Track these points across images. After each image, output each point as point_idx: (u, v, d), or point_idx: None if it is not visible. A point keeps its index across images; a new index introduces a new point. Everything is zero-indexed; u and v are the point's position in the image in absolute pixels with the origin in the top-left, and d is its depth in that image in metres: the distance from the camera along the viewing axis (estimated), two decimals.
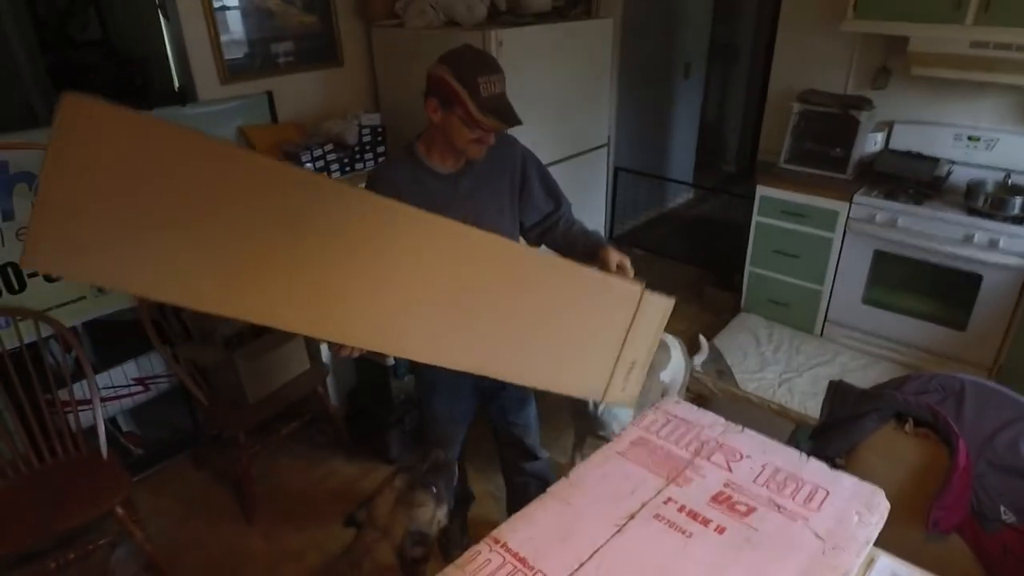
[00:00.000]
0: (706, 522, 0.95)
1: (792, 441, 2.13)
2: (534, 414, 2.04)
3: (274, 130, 2.77)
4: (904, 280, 3.03)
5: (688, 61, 5.14)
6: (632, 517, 0.96)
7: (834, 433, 1.63)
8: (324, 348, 2.65)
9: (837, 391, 1.75)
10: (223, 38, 2.62)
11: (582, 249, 1.74)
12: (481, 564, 0.90)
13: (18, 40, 3.54)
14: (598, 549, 0.91)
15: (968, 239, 2.72)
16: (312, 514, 2.47)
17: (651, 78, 4.76)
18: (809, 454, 1.09)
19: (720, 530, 0.93)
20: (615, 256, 1.63)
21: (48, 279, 2.17)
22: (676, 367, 2.51)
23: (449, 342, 1.25)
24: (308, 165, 2.59)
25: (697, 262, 4.41)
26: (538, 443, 2.09)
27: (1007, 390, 1.52)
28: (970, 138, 2.97)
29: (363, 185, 1.62)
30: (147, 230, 0.94)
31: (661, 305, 1.41)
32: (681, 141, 5.40)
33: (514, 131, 1.60)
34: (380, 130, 2.87)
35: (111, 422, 2.62)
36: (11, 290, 2.10)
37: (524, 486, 2.14)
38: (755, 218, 3.29)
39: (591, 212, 3.49)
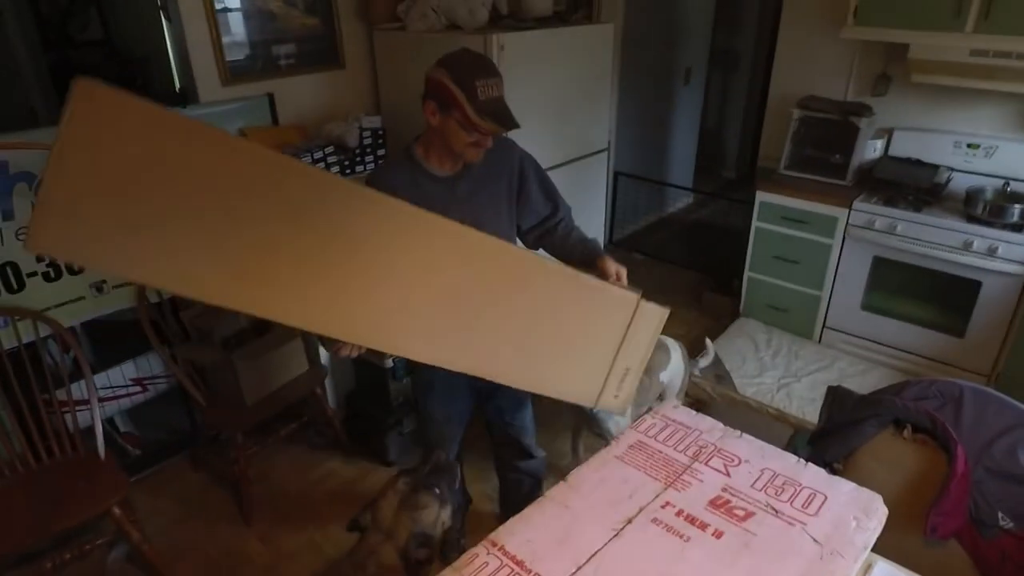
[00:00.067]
0: (704, 526, 0.95)
1: (790, 446, 2.13)
2: (531, 415, 2.05)
3: (275, 132, 2.78)
4: (903, 286, 3.04)
5: (689, 66, 5.15)
6: (630, 521, 0.96)
7: (832, 438, 1.63)
8: (323, 350, 2.65)
9: (836, 396, 1.75)
10: (225, 40, 2.63)
11: (580, 257, 1.74)
12: (479, 567, 0.89)
13: (20, 39, 3.54)
14: (596, 553, 0.91)
15: (967, 246, 2.72)
16: (310, 516, 2.47)
17: (652, 83, 4.77)
18: (807, 459, 1.09)
19: (718, 534, 0.93)
20: (612, 266, 1.64)
21: (47, 279, 2.17)
22: (675, 369, 2.52)
23: (445, 342, 1.25)
24: None
25: (696, 267, 4.41)
26: (535, 443, 2.10)
27: (1005, 397, 1.52)
28: (969, 145, 2.98)
29: None
30: (152, 218, 0.94)
31: (656, 314, 1.43)
32: (681, 146, 5.41)
33: (515, 134, 1.60)
34: (381, 133, 2.87)
35: (109, 422, 2.61)
36: (10, 290, 2.10)
37: (518, 483, 2.17)
38: (755, 223, 3.29)
39: (591, 216, 3.50)
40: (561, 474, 1.09)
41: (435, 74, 1.53)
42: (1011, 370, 2.75)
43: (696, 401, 2.89)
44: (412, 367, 2.16)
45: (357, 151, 2.81)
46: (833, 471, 1.13)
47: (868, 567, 0.98)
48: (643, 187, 4.79)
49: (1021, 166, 2.89)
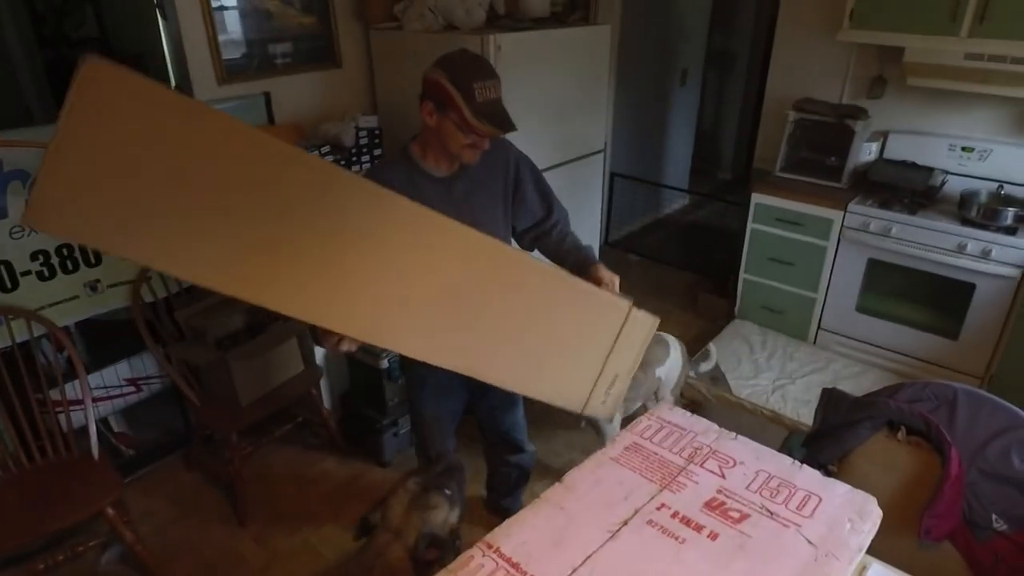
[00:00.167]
0: (699, 528, 0.95)
1: (785, 448, 2.14)
2: (522, 412, 2.08)
3: (271, 131, 2.77)
4: (897, 289, 3.05)
5: (685, 68, 5.16)
6: (625, 523, 0.96)
7: (827, 440, 1.64)
8: (319, 350, 2.64)
9: (830, 398, 1.76)
10: (221, 38, 2.62)
11: (573, 263, 1.75)
12: (474, 569, 0.89)
13: (15, 37, 3.53)
14: (591, 555, 0.91)
15: (961, 249, 2.73)
16: (305, 516, 2.46)
17: (648, 84, 4.78)
18: (802, 461, 1.09)
19: (713, 536, 0.94)
20: (606, 274, 1.65)
21: (41, 278, 2.16)
22: (672, 365, 2.54)
23: (439, 339, 1.25)
24: None
25: (692, 268, 4.42)
26: (526, 437, 2.13)
27: (999, 399, 1.52)
28: (964, 149, 2.99)
29: None
30: (152, 198, 0.94)
31: (647, 323, 1.45)
32: (677, 147, 5.42)
33: (511, 135, 1.60)
34: (377, 132, 2.87)
35: (103, 422, 2.60)
36: (3, 288, 2.09)
37: (507, 475, 2.23)
38: (750, 225, 3.30)
39: (587, 217, 3.50)
40: (556, 475, 1.09)
41: (433, 75, 1.53)
42: (1004, 372, 2.77)
43: (691, 403, 2.90)
44: (405, 365, 2.17)
45: (353, 151, 2.81)
46: (828, 473, 1.13)
47: (862, 569, 0.99)
48: (639, 188, 4.79)
49: (1015, 169, 2.91)
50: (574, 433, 2.74)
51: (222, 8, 2.61)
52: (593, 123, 3.35)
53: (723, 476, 1.06)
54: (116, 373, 2.52)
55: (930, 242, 2.80)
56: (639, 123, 4.79)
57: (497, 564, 0.90)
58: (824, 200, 3.05)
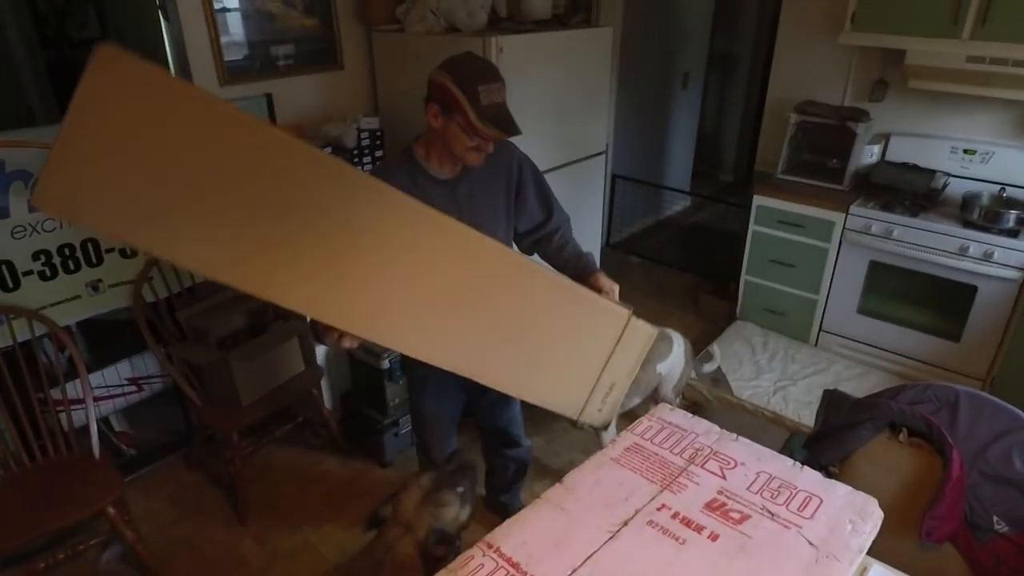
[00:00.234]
0: (700, 529, 0.95)
1: (786, 449, 2.14)
2: (519, 407, 2.11)
3: None
4: (899, 291, 3.05)
5: (687, 70, 5.16)
6: (626, 523, 0.96)
7: (828, 442, 1.64)
8: (320, 350, 2.65)
9: (832, 400, 1.75)
10: (223, 40, 2.62)
11: (573, 270, 1.76)
12: (474, 569, 0.89)
13: (18, 37, 3.54)
14: (591, 555, 0.91)
15: (963, 251, 2.73)
16: (305, 516, 2.46)
17: (650, 87, 4.78)
18: (803, 462, 1.09)
19: (713, 537, 0.93)
20: (606, 282, 1.66)
21: (43, 277, 2.16)
22: (675, 361, 2.54)
23: (440, 339, 1.26)
24: None
25: (693, 270, 4.42)
26: (523, 432, 2.14)
27: (1001, 401, 1.52)
28: (966, 151, 2.99)
29: None
30: (158, 186, 0.95)
31: (645, 332, 1.46)
32: (679, 150, 5.42)
33: (514, 137, 1.60)
34: (379, 134, 2.87)
35: (104, 422, 2.60)
36: (5, 288, 2.09)
37: (504, 468, 2.25)
38: (751, 227, 3.30)
39: (588, 219, 3.50)
40: (556, 476, 1.09)
41: (438, 77, 1.53)
42: (1006, 374, 2.76)
43: (692, 404, 2.90)
44: (406, 365, 2.18)
45: (355, 152, 2.81)
46: (829, 474, 1.13)
47: (863, 570, 0.99)
48: (641, 190, 4.79)
49: (1017, 172, 2.91)
50: (574, 433, 2.74)
51: (224, 10, 2.61)
52: (595, 125, 3.35)
53: (724, 477, 1.06)
54: (117, 372, 2.53)
55: (932, 244, 2.80)
56: (641, 125, 4.79)
57: (497, 564, 0.90)
58: (826, 202, 3.04)
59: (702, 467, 1.08)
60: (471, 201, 1.68)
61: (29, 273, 2.13)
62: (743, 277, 3.42)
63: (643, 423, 1.21)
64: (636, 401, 2.46)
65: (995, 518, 1.41)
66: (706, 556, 0.91)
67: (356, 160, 2.83)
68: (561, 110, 3.06)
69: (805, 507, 0.99)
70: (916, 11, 2.66)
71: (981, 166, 2.97)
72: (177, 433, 2.79)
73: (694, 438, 1.16)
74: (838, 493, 1.02)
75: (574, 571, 0.88)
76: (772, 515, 0.97)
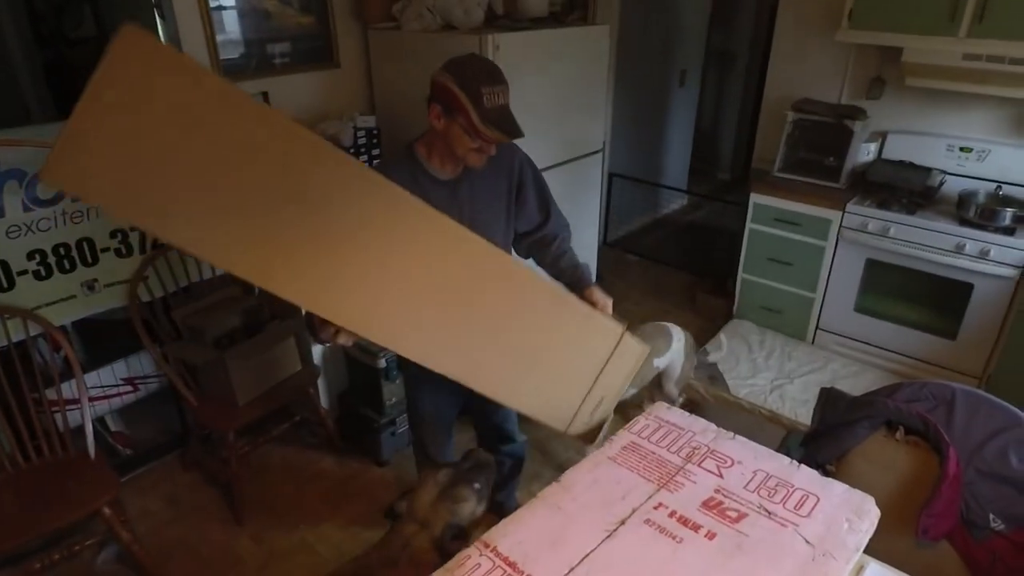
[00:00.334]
0: (696, 528, 0.95)
1: (783, 447, 2.14)
2: None
3: None
4: (896, 289, 3.05)
5: (684, 68, 5.16)
6: (623, 522, 0.96)
7: (825, 440, 1.64)
8: (316, 349, 2.64)
9: (828, 398, 1.75)
10: (219, 38, 2.61)
11: (568, 281, 1.76)
12: (471, 568, 0.89)
13: (14, 36, 3.52)
14: (588, 554, 0.91)
15: (959, 249, 2.73)
16: (302, 516, 2.46)
17: (647, 85, 4.78)
18: (800, 461, 1.09)
19: (710, 536, 0.93)
20: (600, 297, 1.66)
21: (37, 277, 2.15)
22: (674, 357, 2.55)
23: (433, 342, 1.26)
24: None
25: (690, 268, 4.42)
26: (517, 428, 2.15)
27: (997, 399, 1.52)
28: (962, 149, 2.99)
29: None
30: (169, 169, 0.96)
31: (637, 349, 1.48)
32: (676, 148, 5.42)
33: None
34: (375, 132, 2.87)
35: (99, 422, 2.60)
36: (0, 288, 2.08)
37: (499, 464, 2.22)
38: (748, 225, 3.30)
39: (585, 217, 3.49)
40: (553, 475, 1.09)
41: (441, 78, 1.52)
42: (1002, 372, 2.77)
43: (689, 402, 2.90)
44: (403, 364, 2.17)
45: (351, 151, 2.81)
46: (826, 473, 1.13)
47: (860, 568, 0.99)
48: (638, 188, 4.79)
49: (1013, 169, 2.91)
50: None
51: (220, 8, 2.60)
52: (592, 123, 3.35)
53: (721, 476, 1.05)
54: (113, 372, 2.52)
55: (928, 242, 2.80)
56: (638, 123, 4.79)
57: (494, 563, 0.90)
58: (822, 200, 3.05)
59: (699, 466, 1.08)
60: (472, 202, 1.68)
61: (24, 273, 2.12)
62: (740, 275, 3.43)
63: (640, 422, 1.20)
64: (632, 391, 2.47)
65: (991, 516, 1.41)
66: (703, 555, 0.90)
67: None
68: (558, 108, 3.05)
69: (802, 505, 0.99)
70: (913, 8, 2.66)
71: (977, 164, 2.97)
72: (173, 433, 2.78)
73: (691, 437, 1.16)
74: (835, 491, 1.02)
75: (571, 570, 0.88)
76: (769, 513, 0.97)
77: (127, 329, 2.35)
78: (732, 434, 1.17)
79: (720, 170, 6.40)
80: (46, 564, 2.04)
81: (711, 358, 3.00)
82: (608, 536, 0.94)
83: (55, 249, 2.17)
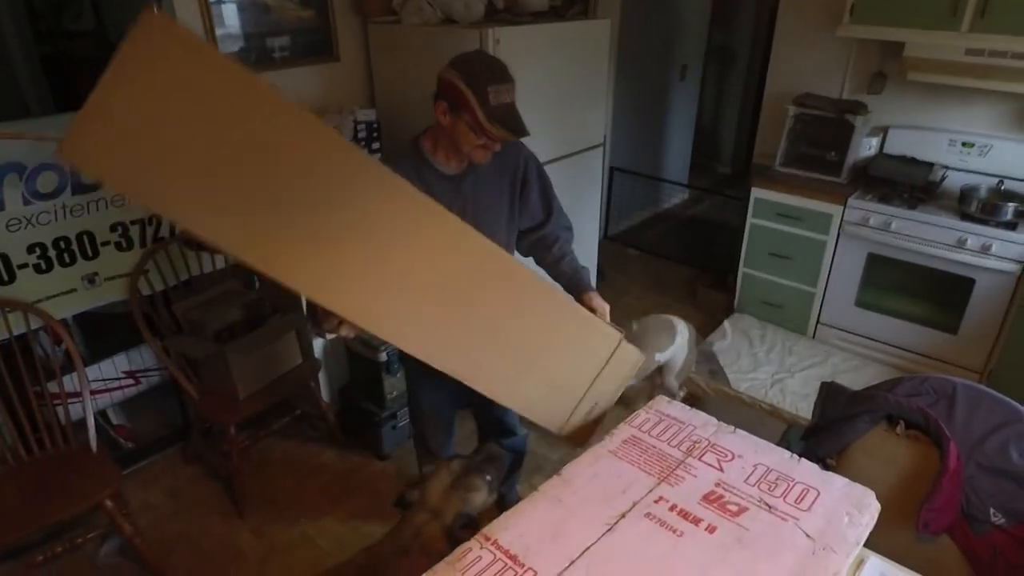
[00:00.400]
0: (697, 521, 0.95)
1: (784, 441, 2.14)
2: None
3: None
4: (897, 283, 3.05)
5: (685, 63, 5.14)
6: (623, 516, 0.96)
7: (825, 434, 1.63)
8: (317, 343, 2.64)
9: (829, 392, 1.75)
10: (218, 31, 2.60)
11: (567, 284, 1.77)
12: (471, 561, 0.89)
13: (13, 30, 3.51)
14: (589, 547, 0.91)
15: (961, 244, 2.73)
16: (303, 509, 2.47)
17: (647, 79, 4.76)
18: (800, 455, 1.09)
19: (711, 529, 0.93)
20: (599, 302, 1.68)
21: (38, 270, 2.15)
22: (677, 349, 2.55)
23: (433, 338, 1.26)
24: None
25: (691, 262, 4.42)
26: (517, 421, 2.15)
27: (998, 394, 1.52)
28: (964, 144, 2.99)
29: None
30: (183, 155, 0.97)
31: (633, 356, 1.51)
32: (677, 142, 5.41)
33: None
34: (375, 126, 2.86)
35: (101, 415, 2.60)
36: (0, 281, 2.08)
37: None
38: (749, 220, 3.30)
39: (586, 211, 3.49)
40: (554, 468, 1.09)
41: (447, 75, 1.52)
42: (1003, 367, 2.77)
43: (690, 396, 2.90)
44: (404, 358, 2.18)
45: None
46: (826, 466, 1.13)
47: (860, 562, 0.99)
48: (639, 182, 4.79)
49: (1015, 164, 2.90)
50: None
51: (220, 1, 2.59)
52: (593, 117, 3.34)
53: (721, 469, 1.05)
54: (114, 366, 2.52)
55: (930, 237, 2.80)
56: (639, 117, 4.78)
57: (495, 556, 0.90)
58: (824, 195, 3.04)
59: (700, 459, 1.08)
60: (475, 197, 1.68)
61: (24, 266, 2.12)
62: (741, 269, 3.42)
63: (641, 415, 1.20)
64: (632, 382, 2.47)
65: (992, 510, 1.41)
66: (703, 548, 0.91)
67: None
68: (559, 103, 3.05)
69: (802, 499, 0.99)
70: (915, 3, 2.65)
71: (979, 159, 2.97)
72: (174, 426, 2.79)
73: (692, 430, 1.16)
74: (835, 485, 1.02)
75: (571, 563, 0.88)
76: (769, 507, 0.97)
77: (128, 322, 2.35)
78: (733, 428, 1.17)
79: (721, 164, 6.38)
80: (48, 557, 2.05)
81: (716, 347, 3.00)
82: (609, 529, 0.94)
83: (55, 243, 2.17)
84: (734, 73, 6.07)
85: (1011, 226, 2.66)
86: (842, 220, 3.00)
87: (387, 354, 2.52)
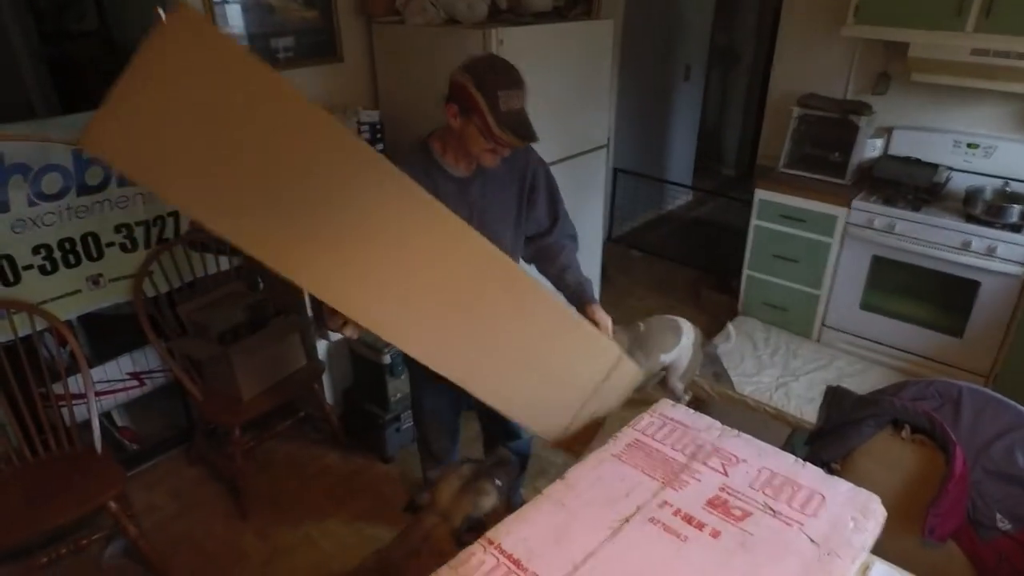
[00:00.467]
0: (701, 526, 0.94)
1: (788, 446, 2.12)
2: None
3: None
4: (902, 286, 3.03)
5: (688, 63, 5.14)
6: (627, 520, 0.96)
7: (831, 438, 1.63)
8: (321, 345, 2.64)
9: (834, 396, 1.75)
10: (223, 32, 2.61)
11: (570, 295, 1.77)
12: (475, 565, 0.89)
13: (17, 30, 3.52)
14: (592, 552, 0.90)
15: (966, 246, 2.72)
16: (307, 511, 2.47)
17: (651, 80, 4.75)
18: (805, 459, 1.08)
19: (715, 534, 0.93)
20: (601, 316, 1.68)
21: (43, 272, 2.16)
22: (682, 350, 2.55)
23: (435, 340, 1.27)
24: None
25: (695, 264, 4.41)
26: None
27: (1004, 398, 1.51)
28: (969, 145, 2.97)
29: None
30: (203, 149, 0.98)
31: (631, 372, 1.52)
32: (680, 143, 5.40)
33: None
34: (379, 127, 2.86)
35: (106, 417, 2.61)
36: (5, 283, 2.09)
37: None
38: (754, 222, 3.29)
39: (589, 213, 3.48)
40: (557, 472, 1.09)
41: (459, 78, 1.53)
42: (1009, 370, 2.75)
43: (694, 400, 2.89)
44: (408, 360, 2.18)
45: None
46: (831, 471, 1.12)
47: (865, 568, 0.98)
48: (642, 184, 4.78)
49: (1020, 166, 2.89)
50: None
51: (224, 2, 2.60)
52: (596, 118, 3.33)
53: (726, 474, 1.05)
54: (119, 367, 2.53)
55: (934, 239, 2.79)
56: (642, 118, 4.77)
57: (498, 561, 0.90)
58: (828, 196, 3.03)
59: (704, 464, 1.08)
60: (482, 201, 1.68)
61: (29, 267, 2.13)
62: (745, 272, 3.41)
63: (645, 419, 1.20)
64: (640, 378, 2.47)
65: (998, 515, 1.40)
66: (707, 553, 0.90)
67: None
68: (562, 104, 3.04)
69: (807, 504, 0.98)
70: (920, 3, 2.64)
71: (984, 160, 2.95)
72: (179, 428, 2.79)
73: (696, 434, 1.15)
74: (840, 490, 1.02)
75: (575, 568, 0.88)
76: (774, 512, 0.97)
77: (132, 324, 2.36)
78: (737, 432, 1.16)
79: (725, 166, 6.37)
80: (53, 558, 2.05)
81: (720, 349, 2.99)
82: (612, 534, 0.93)
83: (60, 244, 2.17)
84: (738, 74, 6.06)
85: (1016, 228, 2.65)
86: (846, 222, 2.99)
87: (391, 356, 2.52)
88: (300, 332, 2.53)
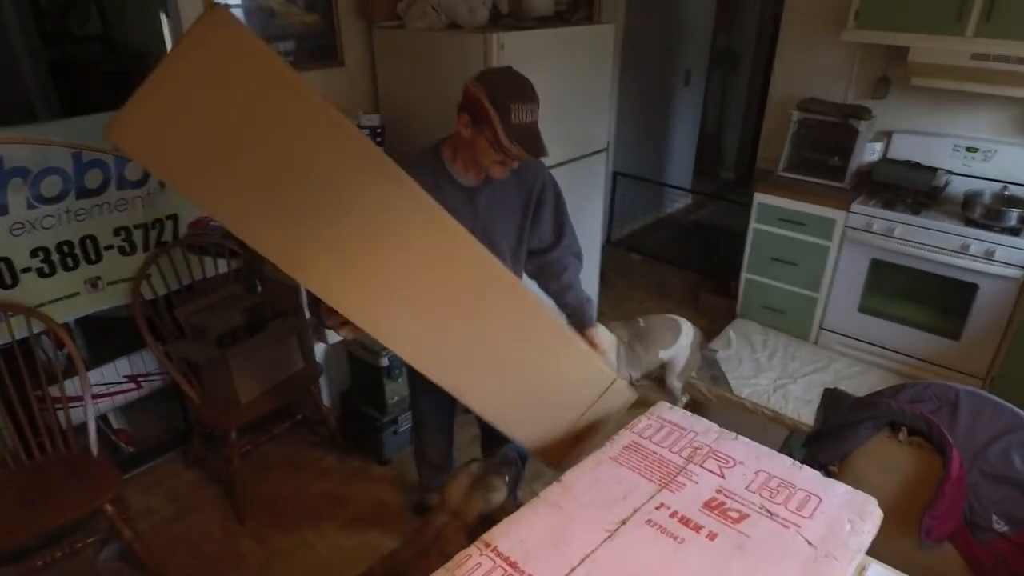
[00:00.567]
0: (698, 528, 0.94)
1: (785, 448, 2.13)
2: None
3: None
4: (900, 289, 3.04)
5: (688, 68, 5.15)
6: (624, 522, 0.95)
7: (828, 440, 1.63)
8: (318, 348, 2.64)
9: (831, 398, 1.75)
10: None
11: (570, 314, 1.79)
12: (471, 568, 0.89)
13: (19, 33, 3.53)
14: (589, 554, 0.90)
15: (964, 249, 2.72)
16: (303, 514, 2.46)
17: (651, 84, 4.77)
18: (802, 461, 1.08)
19: (712, 536, 0.93)
20: (599, 339, 1.72)
21: (41, 275, 2.16)
22: (680, 349, 2.56)
23: (430, 348, 1.28)
24: None
25: (694, 267, 4.41)
26: None
27: (1001, 400, 1.51)
28: (968, 149, 2.98)
29: None
30: (225, 149, 1.00)
31: (624, 395, 1.54)
32: (680, 147, 5.41)
33: None
34: (379, 131, 2.86)
35: (102, 419, 2.60)
36: (3, 285, 2.08)
37: None
38: (752, 225, 3.29)
39: (589, 216, 3.49)
40: (554, 474, 1.08)
41: (473, 89, 1.53)
42: (1006, 373, 2.75)
43: (692, 402, 2.89)
44: (407, 364, 2.18)
45: None
46: (828, 473, 1.12)
47: (862, 570, 0.98)
48: (642, 187, 4.79)
49: (1019, 170, 2.89)
50: None
51: (225, 6, 2.60)
52: (596, 122, 3.34)
53: (723, 476, 1.05)
54: (116, 370, 2.52)
55: (933, 242, 2.79)
56: (642, 122, 4.78)
57: (494, 563, 0.89)
58: (827, 200, 3.03)
59: (701, 466, 1.07)
60: (488, 211, 1.68)
61: (27, 270, 2.13)
62: (744, 275, 3.42)
63: (642, 422, 1.20)
64: (636, 375, 2.49)
65: (994, 517, 1.40)
66: (704, 555, 0.90)
67: None
68: (562, 107, 3.05)
69: (804, 506, 0.98)
70: (920, 8, 2.65)
71: (983, 164, 2.96)
72: (176, 431, 2.79)
73: (693, 437, 1.15)
74: (837, 492, 1.02)
75: (572, 570, 0.88)
76: (771, 514, 0.97)
77: (130, 327, 2.36)
78: (734, 434, 1.16)
79: (724, 169, 6.38)
80: (48, 562, 2.05)
81: (719, 355, 2.99)
82: (609, 536, 0.93)
83: (59, 247, 2.17)
84: (738, 78, 6.08)
85: (1015, 232, 2.65)
86: (845, 225, 2.99)
87: (388, 359, 2.51)
88: (298, 335, 2.53)
